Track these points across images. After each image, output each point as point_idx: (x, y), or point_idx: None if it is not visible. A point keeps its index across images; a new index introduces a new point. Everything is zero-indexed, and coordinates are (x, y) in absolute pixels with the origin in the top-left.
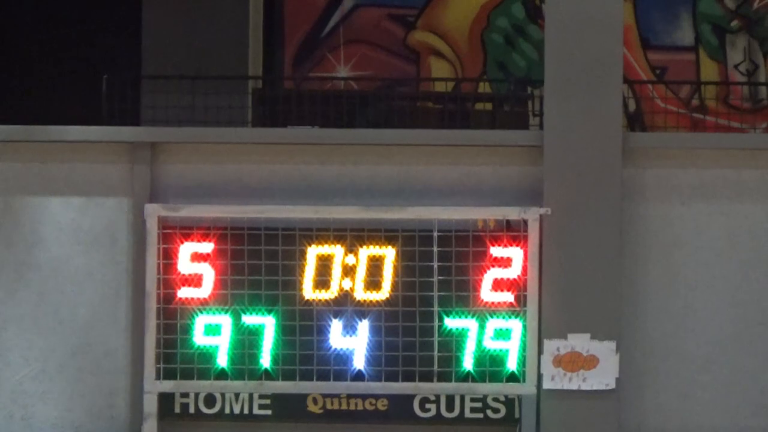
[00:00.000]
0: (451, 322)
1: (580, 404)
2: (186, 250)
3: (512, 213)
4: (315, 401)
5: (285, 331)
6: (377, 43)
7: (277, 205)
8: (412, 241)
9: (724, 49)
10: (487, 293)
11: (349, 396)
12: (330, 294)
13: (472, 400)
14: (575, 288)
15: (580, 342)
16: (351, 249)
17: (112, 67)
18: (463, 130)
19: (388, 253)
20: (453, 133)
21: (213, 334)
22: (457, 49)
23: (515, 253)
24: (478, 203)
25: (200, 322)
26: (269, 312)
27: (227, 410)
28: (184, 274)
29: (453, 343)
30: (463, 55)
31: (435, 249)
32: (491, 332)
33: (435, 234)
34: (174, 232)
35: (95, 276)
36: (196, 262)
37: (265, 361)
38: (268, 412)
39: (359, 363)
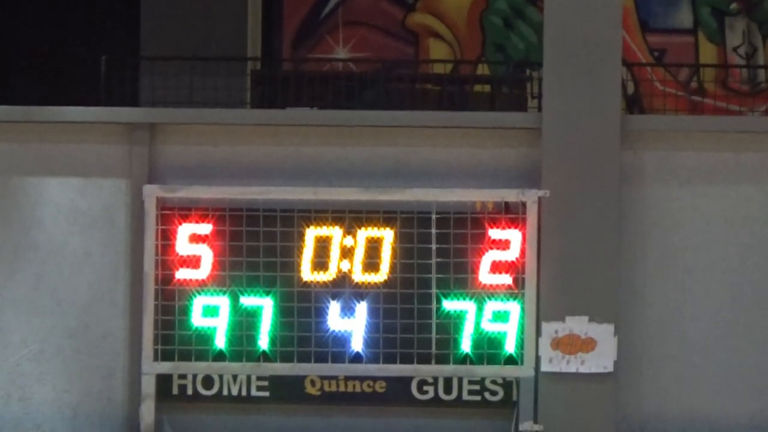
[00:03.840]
0: (449, 305)
1: (577, 387)
2: (184, 231)
3: (510, 195)
4: (313, 383)
5: (283, 312)
6: (376, 24)
7: (275, 187)
8: (410, 223)
9: (723, 31)
10: (485, 275)
11: (347, 378)
12: (328, 276)
13: (470, 382)
14: (573, 270)
15: (578, 325)
16: (349, 230)
17: (111, 48)
18: (461, 112)
19: (387, 235)
20: (451, 115)
21: (211, 315)
22: (455, 31)
23: (513, 235)
24: (477, 185)
25: (198, 303)
26: (267, 293)
27: (225, 392)
28: (182, 256)
29: (451, 325)
30: (461, 37)
31: (433, 231)
32: (489, 315)
33: (433, 216)
34: (172, 213)
35: (93, 257)
36: (194, 244)
37: (263, 342)
38: (266, 393)
39: (357, 345)
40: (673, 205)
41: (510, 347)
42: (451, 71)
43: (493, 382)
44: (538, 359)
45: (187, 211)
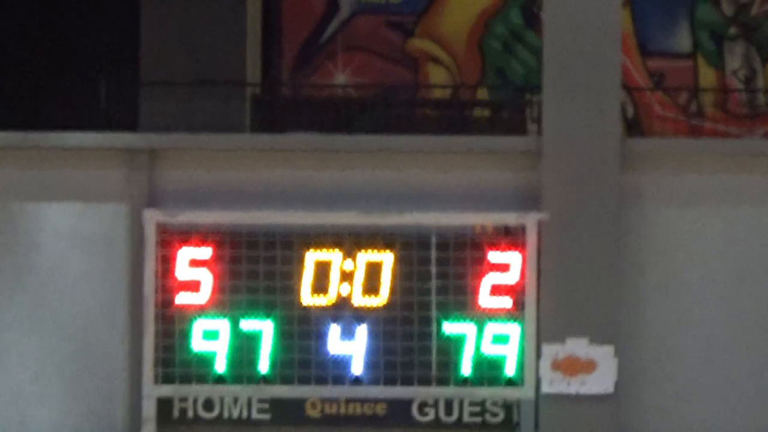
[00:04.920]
0: (450, 327)
1: (578, 408)
2: (184, 255)
3: (510, 219)
4: (313, 406)
5: (283, 336)
6: (375, 50)
7: (275, 211)
8: (410, 247)
9: (722, 55)
10: (485, 298)
11: (348, 400)
12: (328, 299)
13: (471, 404)
14: (573, 292)
15: (578, 346)
16: (349, 254)
17: (110, 72)
18: (461, 136)
19: (386, 259)
20: (451, 139)
21: (211, 339)
22: (455, 55)
23: (513, 258)
24: (477, 209)
25: (198, 327)
26: (267, 317)
27: (226, 415)
28: (182, 280)
29: (451, 347)
30: (461, 62)
31: (433, 254)
32: (489, 337)
33: (433, 239)
34: (172, 237)
35: (93, 281)
36: (194, 268)
37: (264, 366)
38: (267, 416)
39: (358, 367)
40: (672, 227)
41: (510, 369)
42: (451, 96)
43: (494, 403)
44: (538, 381)
45: (187, 235)
